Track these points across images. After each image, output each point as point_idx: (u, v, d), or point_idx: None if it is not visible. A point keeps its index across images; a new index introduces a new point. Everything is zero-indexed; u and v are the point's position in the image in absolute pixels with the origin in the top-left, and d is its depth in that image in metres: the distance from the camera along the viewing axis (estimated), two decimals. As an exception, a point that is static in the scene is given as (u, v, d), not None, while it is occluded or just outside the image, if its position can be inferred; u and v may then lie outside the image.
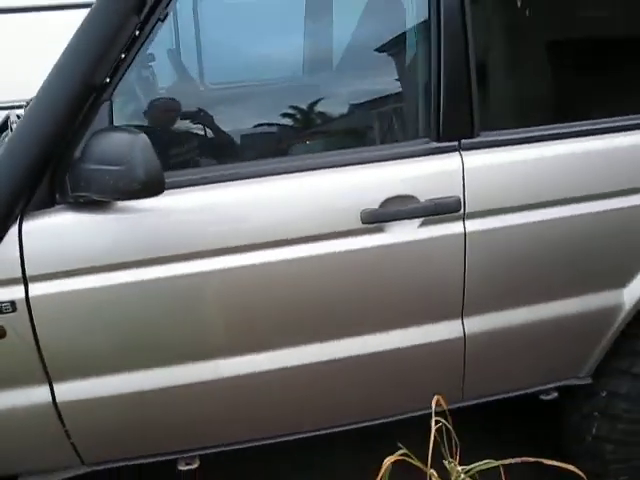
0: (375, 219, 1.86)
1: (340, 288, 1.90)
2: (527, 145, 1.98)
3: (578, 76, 2.11)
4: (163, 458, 1.97)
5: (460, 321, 2.02)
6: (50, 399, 1.81)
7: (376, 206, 1.86)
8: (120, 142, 1.58)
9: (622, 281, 2.12)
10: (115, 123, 1.73)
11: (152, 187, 1.60)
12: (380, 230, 1.87)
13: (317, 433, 2.08)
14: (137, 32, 1.73)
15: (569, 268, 2.06)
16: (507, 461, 1.43)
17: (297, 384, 1.96)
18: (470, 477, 1.48)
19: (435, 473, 1.47)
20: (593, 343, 2.18)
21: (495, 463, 1.46)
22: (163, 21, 1.77)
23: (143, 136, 1.58)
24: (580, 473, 1.41)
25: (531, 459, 1.42)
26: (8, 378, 1.77)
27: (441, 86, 1.90)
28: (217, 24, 2.63)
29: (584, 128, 2.02)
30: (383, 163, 1.90)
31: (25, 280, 1.70)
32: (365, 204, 1.85)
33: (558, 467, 1.41)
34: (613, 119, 2.04)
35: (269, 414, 1.99)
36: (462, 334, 2.03)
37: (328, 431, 2.10)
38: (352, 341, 1.96)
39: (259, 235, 1.80)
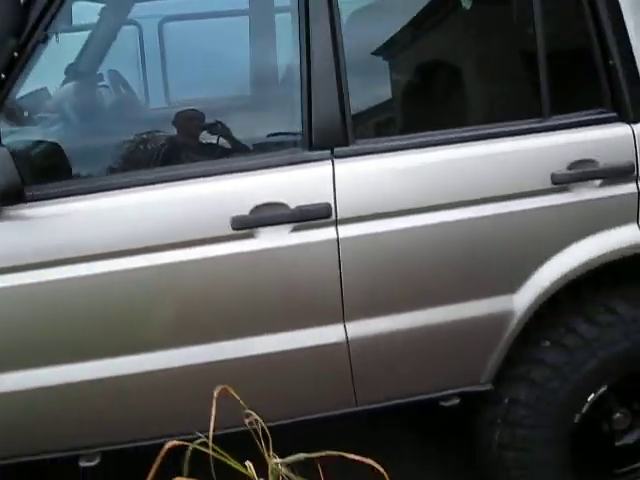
0: (244, 225, 1.96)
1: (215, 292, 2.00)
2: (399, 153, 2.05)
3: (444, 88, 2.17)
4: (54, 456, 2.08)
5: (342, 325, 2.08)
6: None
7: (246, 212, 1.96)
8: None
9: (511, 287, 2.14)
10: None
11: (10, 195, 1.75)
12: (251, 236, 1.97)
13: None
14: (16, 54, 1.88)
15: (451, 273, 2.10)
16: (315, 455, 1.48)
17: (176, 385, 2.05)
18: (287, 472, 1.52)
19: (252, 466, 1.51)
20: (488, 349, 2.21)
21: (306, 456, 1.52)
22: (44, 42, 1.92)
23: (3, 150, 1.74)
24: (380, 469, 1.46)
25: (334, 453, 1.47)
26: None
27: (312, 97, 2.00)
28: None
29: (454, 136, 2.07)
30: (255, 172, 2.01)
31: None
32: (235, 211, 1.95)
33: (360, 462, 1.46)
34: (484, 127, 2.10)
35: (152, 413, 2.09)
36: (345, 338, 2.09)
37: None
38: (230, 344, 2.05)
39: (132, 241, 1.93)
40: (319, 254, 2.02)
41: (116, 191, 1.94)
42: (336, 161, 2.02)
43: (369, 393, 2.22)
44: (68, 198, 1.93)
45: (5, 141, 1.85)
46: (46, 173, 2.05)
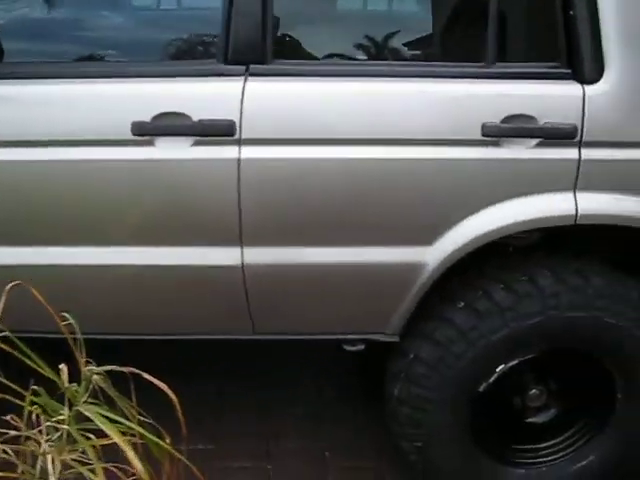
0: (143, 132, 1.90)
1: (112, 196, 1.97)
2: (318, 79, 1.94)
3: (383, 18, 2.03)
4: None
5: (239, 249, 2.02)
6: None
7: (147, 119, 1.90)
8: None
9: (427, 239, 2.04)
10: None
11: None
12: (150, 144, 1.92)
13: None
14: None
15: (359, 214, 2.01)
16: (108, 367, 1.46)
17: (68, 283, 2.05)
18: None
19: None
20: (396, 299, 2.12)
21: (117, 368, 1.51)
22: None
23: None
24: (170, 393, 1.43)
25: (135, 371, 1.45)
26: None
27: (232, 9, 1.90)
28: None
29: (382, 69, 1.96)
30: (163, 78, 1.94)
31: None
32: (136, 116, 1.90)
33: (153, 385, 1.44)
34: (419, 64, 1.96)
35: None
36: (240, 262, 2.03)
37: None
38: (125, 249, 2.03)
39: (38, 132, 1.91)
40: (219, 172, 1.96)
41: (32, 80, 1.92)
42: (249, 78, 1.92)
43: (268, 323, 2.17)
44: None
45: None
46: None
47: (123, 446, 1.39)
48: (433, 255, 2.05)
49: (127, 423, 1.47)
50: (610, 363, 2.23)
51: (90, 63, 2.06)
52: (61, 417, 1.44)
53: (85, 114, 1.93)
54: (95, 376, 1.51)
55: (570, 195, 2.01)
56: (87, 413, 1.44)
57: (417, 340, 2.18)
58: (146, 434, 1.49)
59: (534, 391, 2.33)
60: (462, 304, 2.14)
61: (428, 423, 2.20)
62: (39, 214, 1.99)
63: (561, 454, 2.36)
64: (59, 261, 2.02)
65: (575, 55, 1.96)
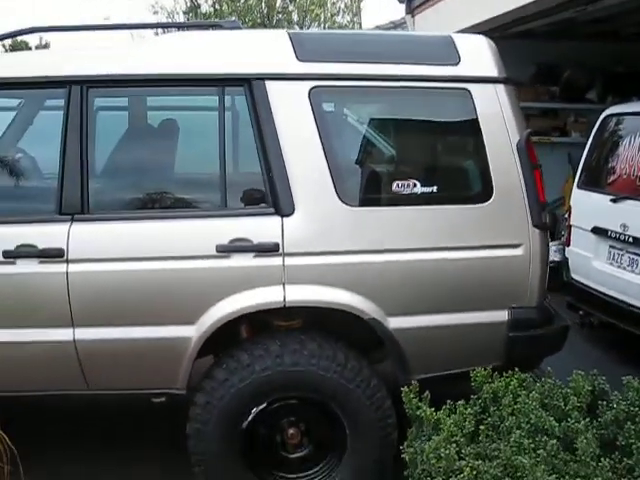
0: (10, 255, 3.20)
1: None
2: (118, 222, 3.25)
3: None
4: None
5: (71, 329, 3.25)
6: None
7: (12, 247, 3.20)
8: None
9: (190, 320, 3.22)
10: None
11: None
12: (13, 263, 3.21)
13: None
14: None
15: (138, 306, 3.21)
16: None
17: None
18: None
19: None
20: (177, 363, 3.26)
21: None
22: None
23: None
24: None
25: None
26: None
27: (63, 182, 3.24)
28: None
29: (155, 214, 3.31)
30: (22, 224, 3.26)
31: None
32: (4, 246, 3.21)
33: None
34: (179, 209, 3.33)
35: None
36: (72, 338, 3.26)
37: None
38: None
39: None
40: (56, 280, 3.21)
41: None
42: (74, 222, 3.22)
43: (99, 380, 3.35)
44: None
45: None
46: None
47: None
48: (196, 331, 3.23)
49: None
50: (334, 407, 3.31)
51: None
52: None
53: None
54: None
55: (279, 287, 3.20)
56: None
57: (195, 390, 3.32)
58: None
59: (291, 431, 3.39)
60: (225, 365, 3.29)
61: (207, 451, 3.28)
62: None
63: None
64: None
65: (275, 200, 3.22)
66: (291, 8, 15.64)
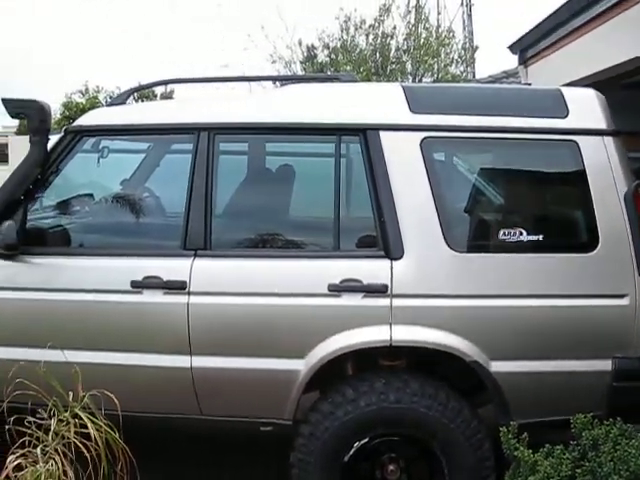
0: (137, 286, 3.55)
1: None
2: (237, 258, 3.55)
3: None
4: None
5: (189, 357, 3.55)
6: None
7: (140, 278, 3.55)
8: (4, 225, 3.53)
9: (300, 354, 3.45)
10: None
11: (9, 249, 3.52)
12: (140, 293, 3.55)
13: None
14: (39, 176, 3.70)
15: (257, 338, 3.48)
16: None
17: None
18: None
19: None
20: (286, 393, 3.49)
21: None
22: (56, 172, 3.73)
23: (9, 222, 3.51)
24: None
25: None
26: None
27: (189, 220, 3.58)
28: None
29: (273, 253, 3.57)
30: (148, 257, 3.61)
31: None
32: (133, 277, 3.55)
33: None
34: (295, 250, 3.58)
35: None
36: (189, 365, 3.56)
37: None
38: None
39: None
40: (178, 311, 3.52)
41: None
42: (197, 258, 3.54)
43: (211, 407, 3.62)
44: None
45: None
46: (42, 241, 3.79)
47: (92, 430, 2.82)
48: (305, 365, 3.45)
49: (98, 422, 2.90)
50: (434, 446, 3.45)
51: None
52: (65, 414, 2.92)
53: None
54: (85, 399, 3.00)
55: (386, 327, 3.40)
56: (78, 412, 2.90)
57: (301, 423, 3.54)
58: (108, 430, 2.90)
59: (390, 467, 3.55)
60: (330, 399, 3.50)
61: (307, 480, 3.49)
62: None
63: None
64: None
65: (385, 244, 3.44)
66: (405, 58, 16.03)
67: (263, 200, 3.85)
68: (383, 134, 3.47)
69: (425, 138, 3.45)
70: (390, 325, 3.39)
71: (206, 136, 3.59)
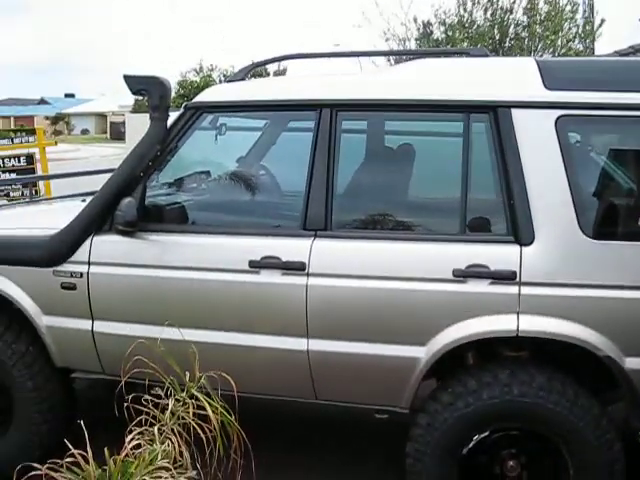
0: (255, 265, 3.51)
1: None
2: (361, 240, 3.45)
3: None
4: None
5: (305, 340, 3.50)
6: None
7: (258, 258, 3.51)
8: (124, 201, 3.57)
9: (420, 341, 3.36)
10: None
11: (128, 226, 3.56)
12: (258, 273, 3.52)
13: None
14: (158, 153, 3.72)
15: (379, 323, 3.40)
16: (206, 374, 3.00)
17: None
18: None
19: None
20: (404, 381, 3.41)
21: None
22: (175, 149, 3.73)
23: (129, 199, 3.55)
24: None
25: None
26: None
27: (309, 199, 3.51)
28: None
29: (394, 235, 3.45)
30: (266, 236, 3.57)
31: (89, 263, 3.77)
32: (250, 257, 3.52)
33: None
34: (419, 232, 3.46)
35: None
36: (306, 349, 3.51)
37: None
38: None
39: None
40: (296, 292, 3.46)
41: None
42: (317, 238, 3.47)
43: (326, 392, 3.56)
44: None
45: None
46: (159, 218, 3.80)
47: (210, 412, 2.80)
48: (426, 353, 3.34)
49: (214, 404, 2.87)
50: (559, 443, 3.29)
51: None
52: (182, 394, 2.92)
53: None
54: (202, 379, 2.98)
55: (513, 316, 3.24)
56: (195, 393, 2.89)
57: (418, 412, 3.43)
58: (224, 412, 2.88)
59: (511, 463, 3.40)
60: (450, 389, 3.38)
61: (425, 473, 3.38)
62: None
63: None
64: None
65: (514, 228, 3.27)
66: (524, 34, 15.51)
67: (385, 180, 3.74)
68: (515, 112, 3.29)
69: (560, 116, 3.24)
70: (517, 314, 3.23)
71: (328, 113, 3.50)
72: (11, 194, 10.96)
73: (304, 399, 3.63)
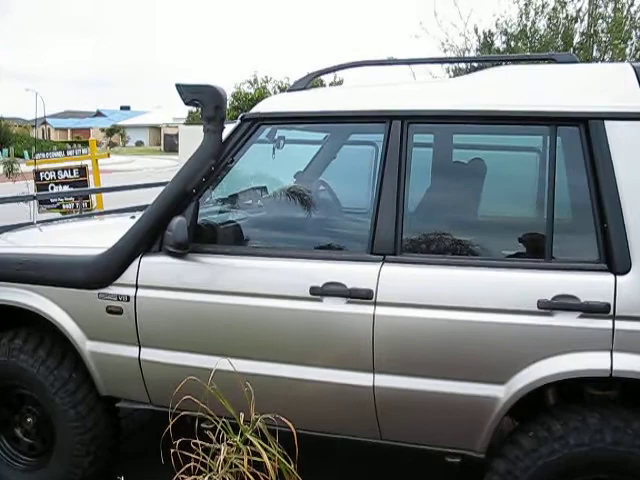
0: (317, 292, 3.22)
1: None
2: (432, 266, 3.13)
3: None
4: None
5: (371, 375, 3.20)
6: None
7: (320, 285, 3.22)
8: (174, 220, 3.32)
9: (499, 379, 3.02)
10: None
11: (179, 247, 3.30)
12: (320, 301, 3.23)
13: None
14: (212, 168, 3.45)
15: (452, 358, 3.07)
16: (265, 415, 2.71)
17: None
18: None
19: None
20: (481, 423, 3.09)
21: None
22: (231, 163, 3.47)
23: (180, 218, 3.29)
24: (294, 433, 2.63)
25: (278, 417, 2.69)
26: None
27: (377, 220, 3.21)
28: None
29: (474, 262, 3.10)
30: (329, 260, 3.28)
31: (137, 286, 3.53)
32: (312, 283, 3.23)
33: None
34: (496, 259, 3.12)
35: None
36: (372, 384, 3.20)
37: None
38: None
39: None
40: (362, 322, 3.16)
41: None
42: (385, 263, 3.16)
43: (391, 432, 3.25)
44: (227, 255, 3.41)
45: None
46: (213, 239, 3.54)
47: (267, 461, 2.53)
48: (505, 392, 3.01)
49: (271, 450, 2.62)
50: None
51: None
52: (236, 439, 2.65)
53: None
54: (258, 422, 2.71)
55: (606, 354, 2.89)
56: (250, 438, 2.61)
57: (495, 457, 3.09)
58: (282, 459, 2.61)
59: None
60: (532, 433, 3.03)
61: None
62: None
63: None
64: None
65: (608, 254, 2.92)
66: (589, 43, 14.95)
67: (461, 200, 3.42)
68: (609, 124, 2.94)
69: None
70: (611, 352, 2.87)
71: (399, 125, 3.20)
72: (64, 206, 10.89)
73: (368, 439, 3.31)
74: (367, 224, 3.25)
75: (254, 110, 3.51)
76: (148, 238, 3.49)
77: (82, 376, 3.72)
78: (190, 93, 3.43)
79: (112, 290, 3.54)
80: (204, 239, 3.48)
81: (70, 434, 3.73)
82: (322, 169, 4.47)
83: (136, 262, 3.51)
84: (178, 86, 3.42)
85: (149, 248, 3.52)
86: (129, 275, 3.52)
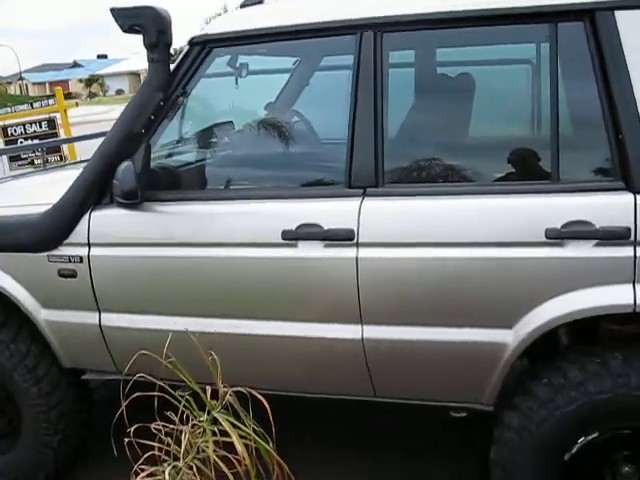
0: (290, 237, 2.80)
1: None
2: (422, 197, 2.71)
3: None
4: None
5: (360, 326, 2.80)
6: None
7: (293, 227, 2.80)
8: (120, 167, 2.88)
9: (507, 323, 2.64)
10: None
11: (129, 197, 2.86)
12: (294, 246, 2.81)
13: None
14: (161, 103, 2.99)
15: (449, 301, 2.68)
16: (236, 389, 2.32)
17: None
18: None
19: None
20: (487, 373, 2.72)
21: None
22: (183, 96, 3.01)
23: (127, 164, 2.85)
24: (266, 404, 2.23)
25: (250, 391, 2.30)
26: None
27: (353, 148, 2.77)
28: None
29: (463, 189, 2.67)
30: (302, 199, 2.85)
31: (89, 244, 3.10)
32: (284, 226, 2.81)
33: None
34: (497, 183, 2.70)
35: None
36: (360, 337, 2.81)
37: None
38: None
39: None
40: (344, 268, 2.75)
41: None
42: (366, 198, 2.74)
43: (386, 388, 2.88)
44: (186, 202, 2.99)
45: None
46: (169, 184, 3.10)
47: (237, 443, 2.16)
48: (514, 337, 2.62)
49: (245, 429, 2.25)
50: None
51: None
52: (201, 419, 2.27)
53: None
54: (228, 396, 2.33)
55: (628, 287, 2.49)
56: (219, 418, 2.24)
57: (506, 410, 2.72)
58: (257, 439, 2.25)
59: (626, 468, 2.69)
60: (546, 380, 2.66)
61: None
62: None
63: None
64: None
65: (625, 170, 2.50)
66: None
67: (451, 120, 2.97)
68: (620, 15, 2.49)
69: None
70: (633, 284, 2.48)
71: (371, 37, 2.74)
72: (35, 162, 10.39)
73: (361, 397, 2.94)
74: (345, 155, 2.80)
75: (203, 31, 3.02)
76: (96, 189, 3.06)
77: (41, 348, 3.33)
78: (127, 18, 2.93)
79: (62, 251, 3.12)
80: (161, 185, 3.05)
81: (34, 412, 3.37)
82: (295, 98, 4.02)
83: (86, 217, 3.09)
84: (113, 11, 2.93)
85: (99, 200, 3.09)
86: (79, 233, 3.10)
